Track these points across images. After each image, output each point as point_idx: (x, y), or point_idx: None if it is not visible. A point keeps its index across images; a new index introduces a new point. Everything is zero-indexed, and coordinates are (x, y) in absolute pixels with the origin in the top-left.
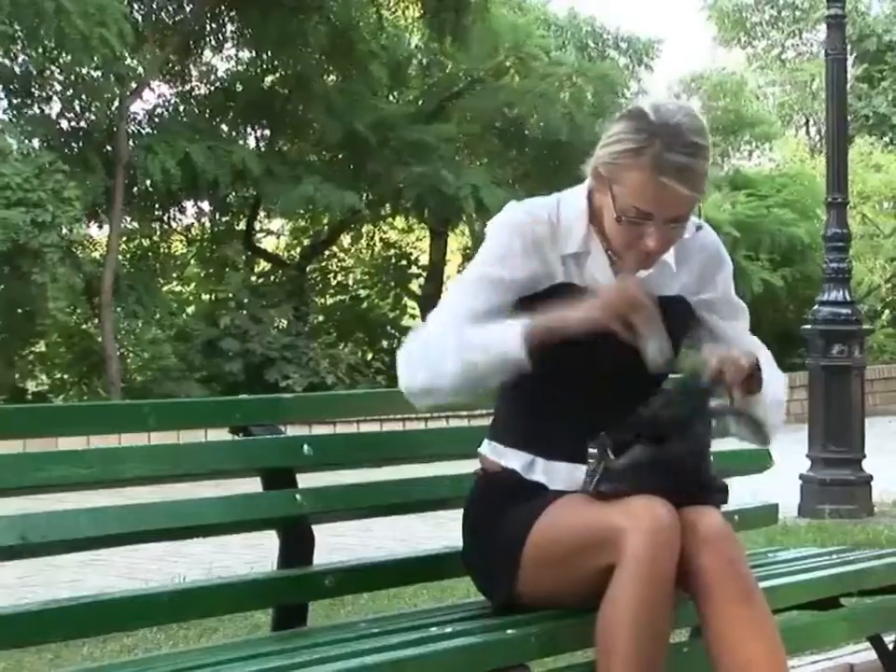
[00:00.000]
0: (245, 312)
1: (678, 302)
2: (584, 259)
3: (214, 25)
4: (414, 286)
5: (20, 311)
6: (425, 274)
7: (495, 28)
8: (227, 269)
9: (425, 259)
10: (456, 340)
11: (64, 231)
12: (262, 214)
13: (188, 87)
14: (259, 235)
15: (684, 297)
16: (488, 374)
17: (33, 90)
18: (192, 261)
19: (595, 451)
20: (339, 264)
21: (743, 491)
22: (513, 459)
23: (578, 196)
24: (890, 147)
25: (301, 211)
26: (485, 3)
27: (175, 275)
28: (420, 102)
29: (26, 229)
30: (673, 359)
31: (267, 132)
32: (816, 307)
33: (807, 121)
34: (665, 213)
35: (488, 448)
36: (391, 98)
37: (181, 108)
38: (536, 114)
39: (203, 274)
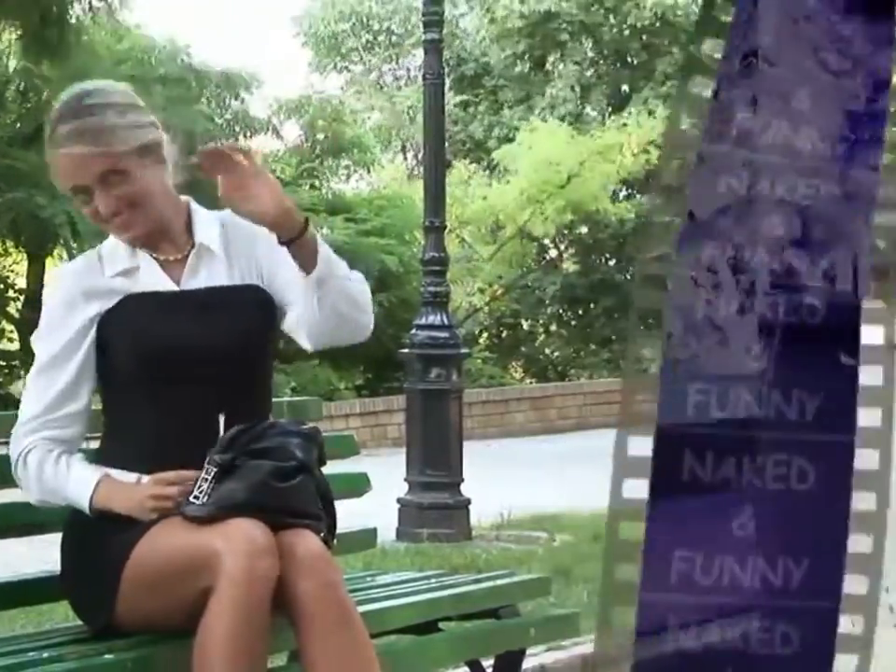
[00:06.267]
0: None
1: (246, 290)
2: (135, 272)
3: None
4: (12, 309)
5: None
6: (22, 298)
7: (93, 52)
8: None
9: (22, 283)
10: (38, 478)
11: None
12: None
13: None
14: None
15: (256, 285)
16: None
17: None
18: None
19: (204, 474)
20: None
21: (340, 514)
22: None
23: None
24: (488, 171)
25: None
26: (82, 25)
27: None
28: (17, 126)
29: None
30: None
31: None
32: (414, 331)
33: (404, 146)
34: (88, 177)
35: None
36: None
37: None
38: None
39: None
